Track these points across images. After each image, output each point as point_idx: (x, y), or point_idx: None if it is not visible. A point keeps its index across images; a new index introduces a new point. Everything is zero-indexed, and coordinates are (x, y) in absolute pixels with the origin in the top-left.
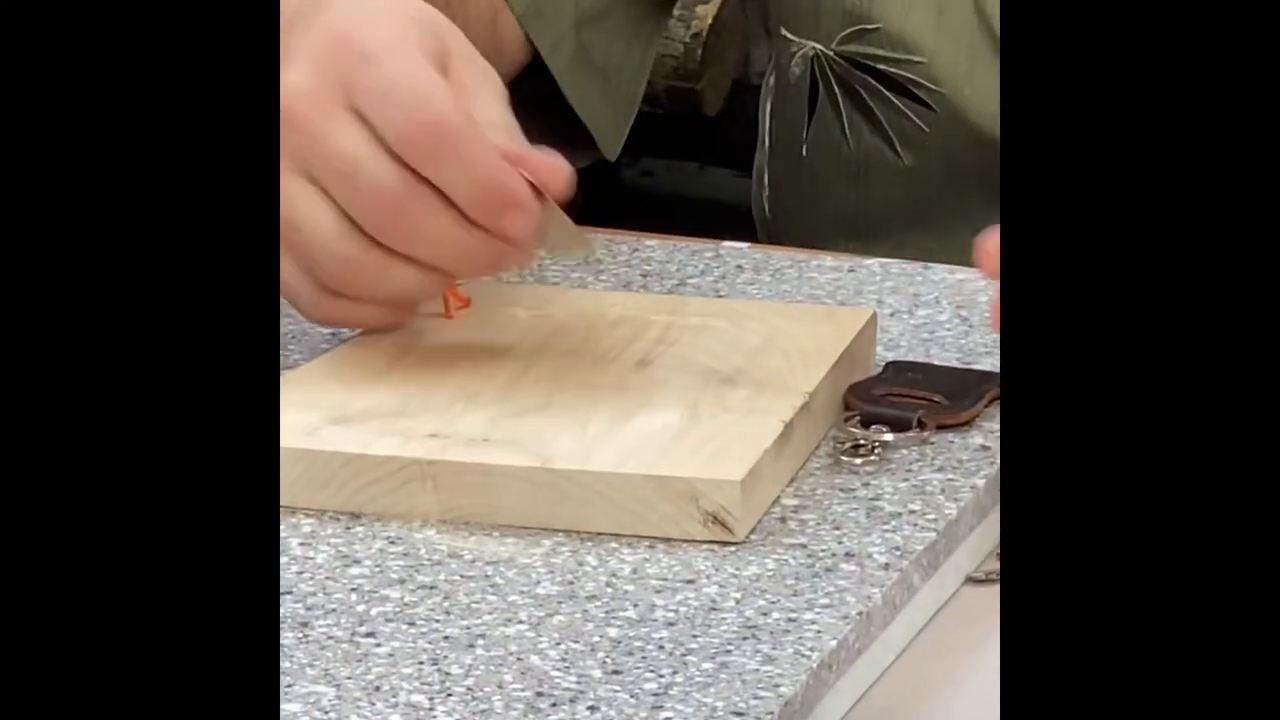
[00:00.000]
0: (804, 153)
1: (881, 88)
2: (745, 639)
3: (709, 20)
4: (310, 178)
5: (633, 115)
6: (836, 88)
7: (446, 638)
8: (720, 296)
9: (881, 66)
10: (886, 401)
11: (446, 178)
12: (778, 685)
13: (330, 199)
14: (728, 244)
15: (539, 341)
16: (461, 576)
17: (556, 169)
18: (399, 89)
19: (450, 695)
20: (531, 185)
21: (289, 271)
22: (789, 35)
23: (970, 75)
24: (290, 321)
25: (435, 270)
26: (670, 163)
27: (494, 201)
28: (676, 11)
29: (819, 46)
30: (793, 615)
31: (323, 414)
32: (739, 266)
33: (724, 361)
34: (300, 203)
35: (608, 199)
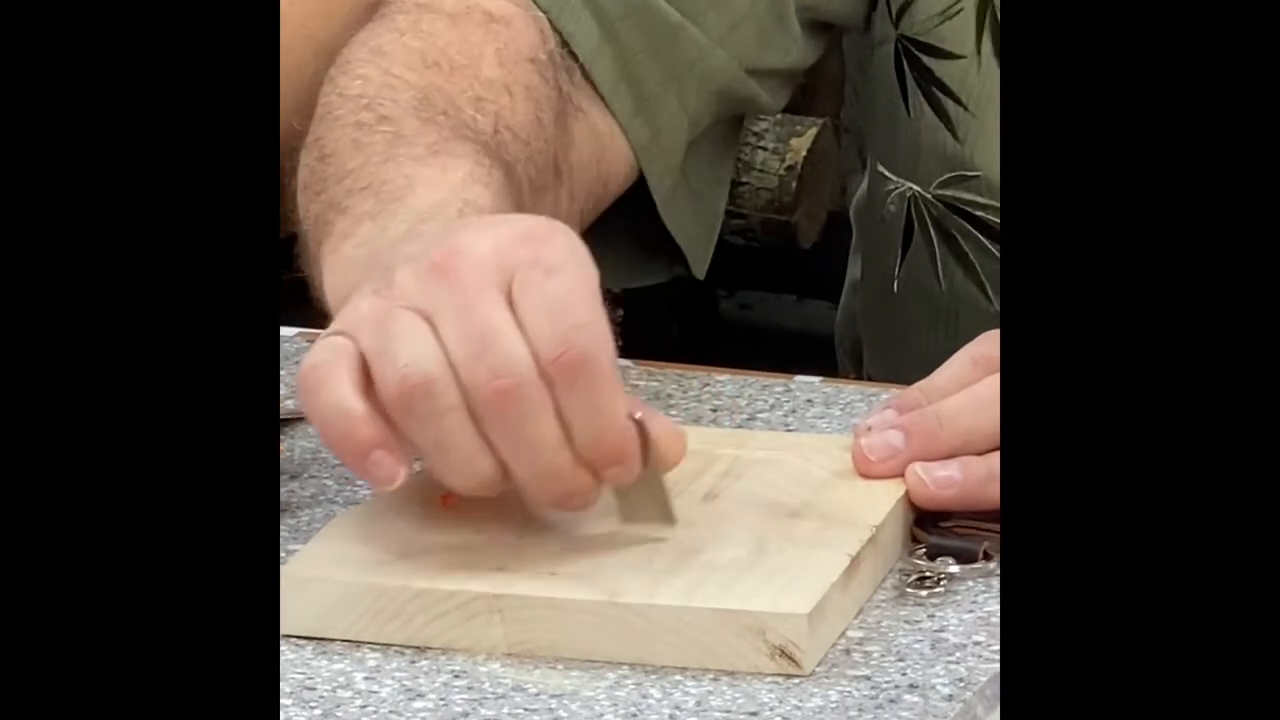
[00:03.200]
0: (895, 289)
1: (978, 234)
2: None
3: (804, 153)
4: (431, 321)
5: (717, 232)
6: (932, 229)
7: None
8: (790, 430)
9: (979, 214)
10: (953, 533)
11: (571, 408)
12: None
13: (442, 347)
14: (799, 378)
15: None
16: (526, 710)
17: (678, 439)
18: (564, 308)
19: None
20: (643, 445)
21: (345, 385)
22: (887, 173)
23: None
24: None
25: (506, 471)
26: (767, 295)
27: (604, 449)
28: (771, 144)
29: (916, 188)
30: None
31: (389, 548)
32: (809, 400)
33: (791, 495)
34: (409, 336)
35: (706, 332)
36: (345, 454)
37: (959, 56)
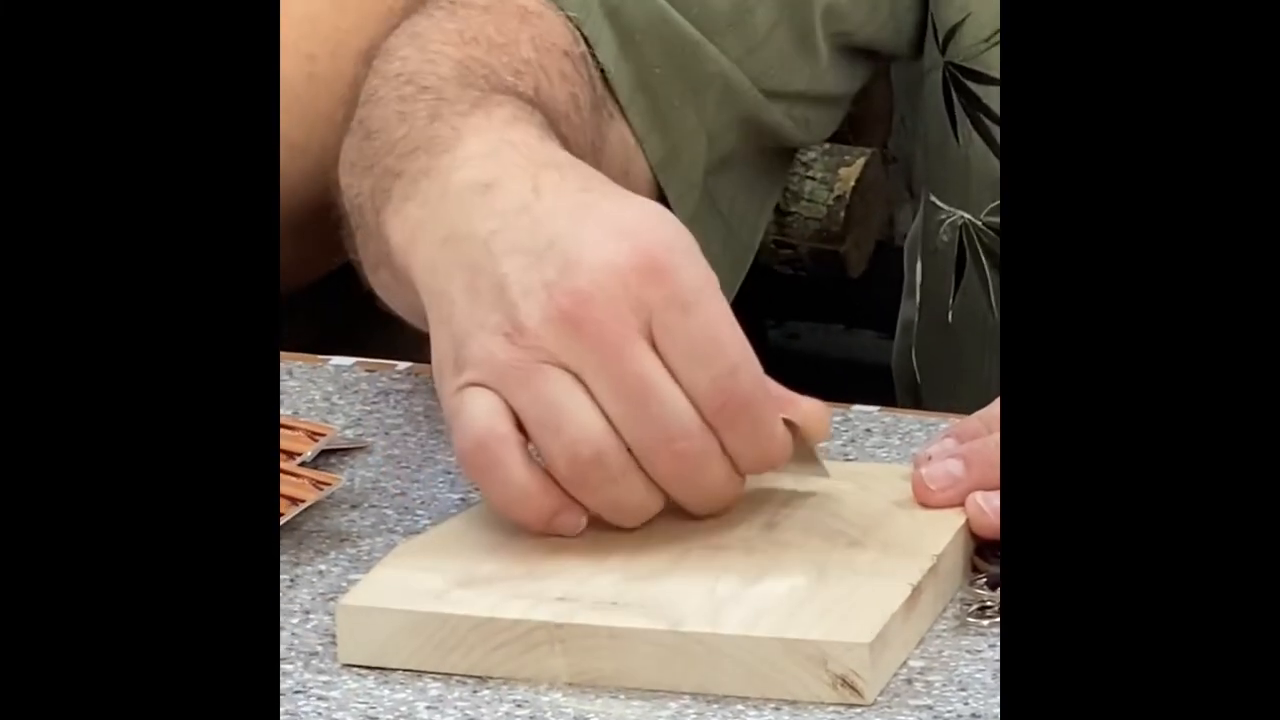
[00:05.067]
0: (950, 319)
1: None
2: None
3: (852, 182)
4: (580, 379)
5: (748, 265)
6: (984, 257)
7: None
8: (849, 459)
9: None
10: None
11: (737, 444)
12: None
13: (596, 403)
14: (857, 407)
15: (666, 504)
16: None
17: (823, 417)
18: (711, 350)
19: None
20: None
21: (517, 465)
22: (939, 203)
23: None
24: (419, 486)
25: (673, 502)
26: (815, 325)
27: (769, 464)
28: (819, 174)
29: (968, 216)
30: None
31: (451, 577)
32: (868, 430)
33: (851, 524)
34: (567, 404)
35: None
36: (528, 525)
37: None
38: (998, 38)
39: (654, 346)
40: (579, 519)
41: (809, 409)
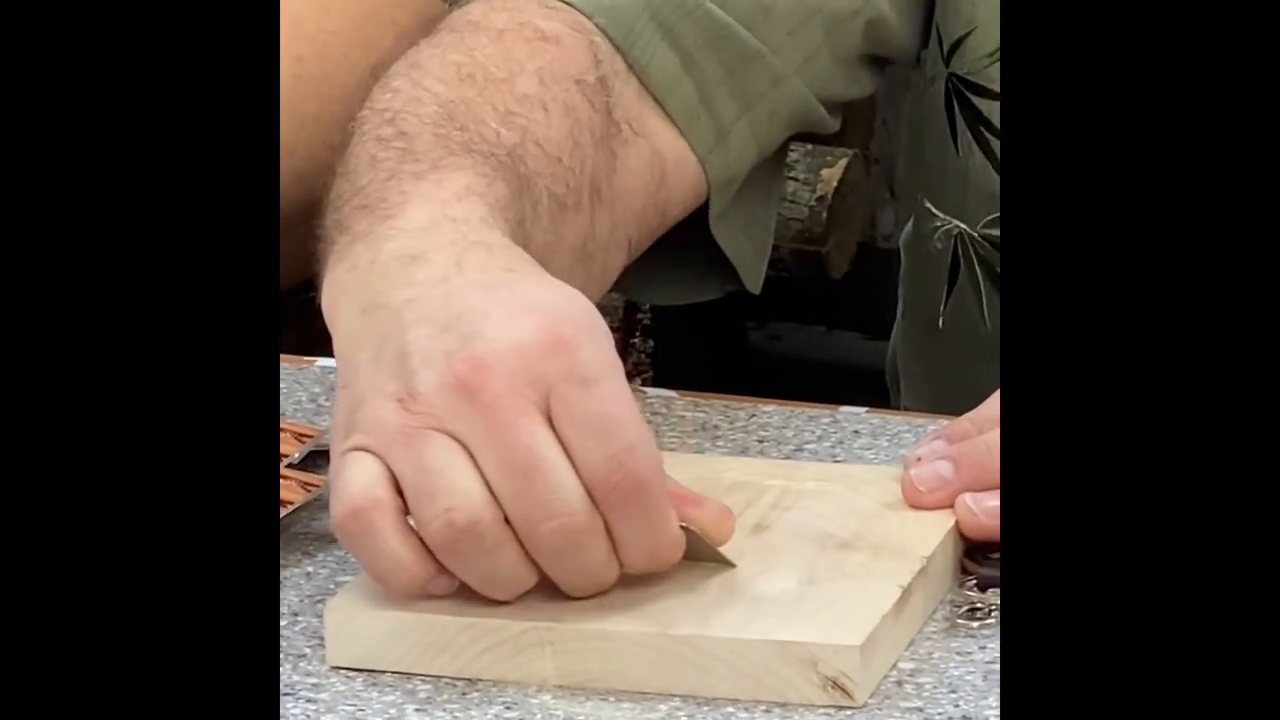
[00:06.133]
0: (940, 325)
1: None
2: None
3: (834, 183)
4: (466, 447)
5: (769, 247)
6: (978, 268)
7: None
8: (838, 461)
9: None
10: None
11: (625, 530)
12: None
13: (479, 473)
14: (845, 409)
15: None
16: None
17: (725, 518)
18: (609, 426)
19: None
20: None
21: (391, 531)
22: (934, 210)
23: None
24: None
25: (550, 581)
26: (797, 326)
27: (655, 564)
28: (801, 175)
29: (964, 226)
30: None
31: None
32: (856, 431)
33: (841, 526)
34: (448, 470)
35: (735, 363)
36: (400, 593)
37: None
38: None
39: (550, 425)
40: (451, 583)
41: (710, 512)
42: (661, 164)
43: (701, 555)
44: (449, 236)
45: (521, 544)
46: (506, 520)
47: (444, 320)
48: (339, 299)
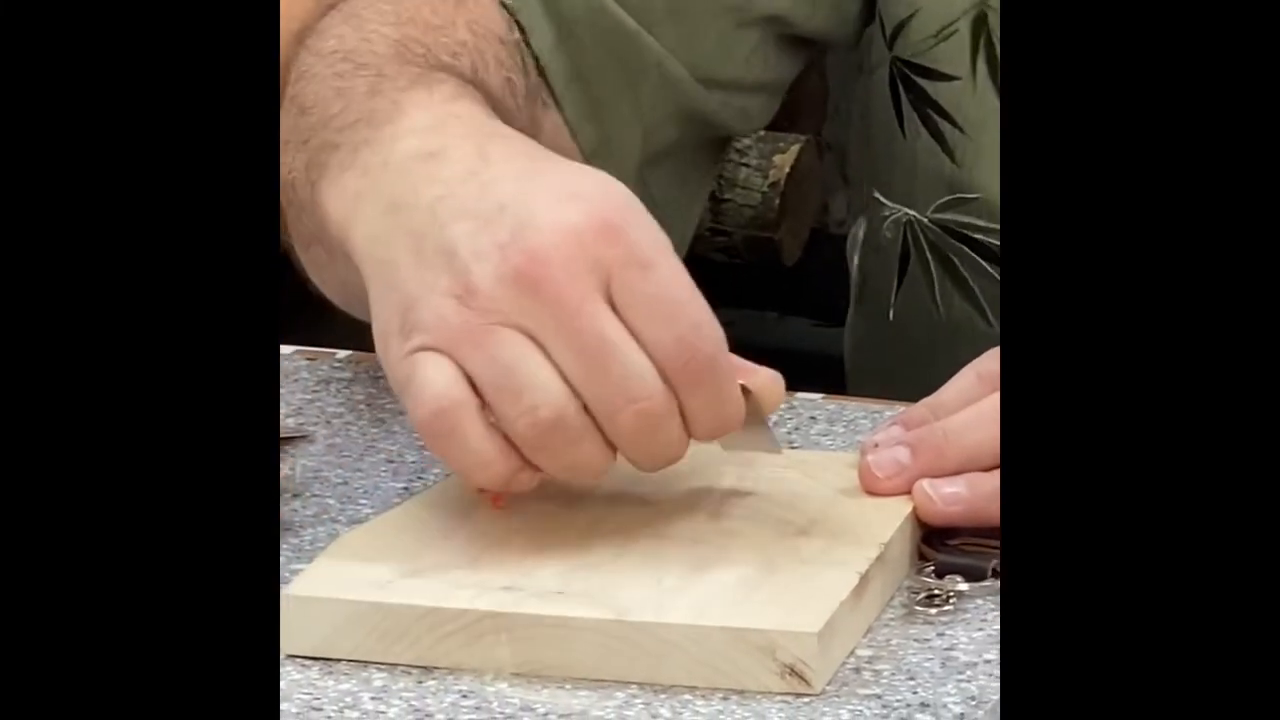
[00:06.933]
0: (891, 315)
1: (977, 257)
2: None
3: (786, 170)
4: (536, 340)
5: (683, 253)
6: (929, 255)
7: None
8: (794, 447)
9: (979, 236)
10: (961, 550)
11: (696, 406)
12: None
13: (553, 365)
14: (801, 395)
15: (612, 493)
16: None
17: (777, 382)
18: (674, 308)
19: None
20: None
21: (476, 431)
22: (883, 200)
23: None
24: (361, 475)
25: (627, 459)
26: (749, 312)
27: (726, 428)
28: (754, 161)
29: (913, 213)
30: None
31: (396, 567)
32: (813, 418)
33: (798, 513)
34: (524, 366)
35: None
36: (489, 487)
37: (954, 78)
38: (947, 33)
39: (613, 308)
40: (535, 476)
41: (764, 377)
42: (561, 136)
43: (754, 421)
44: (461, 131)
45: (601, 429)
46: (585, 409)
47: (485, 214)
48: (355, 204)
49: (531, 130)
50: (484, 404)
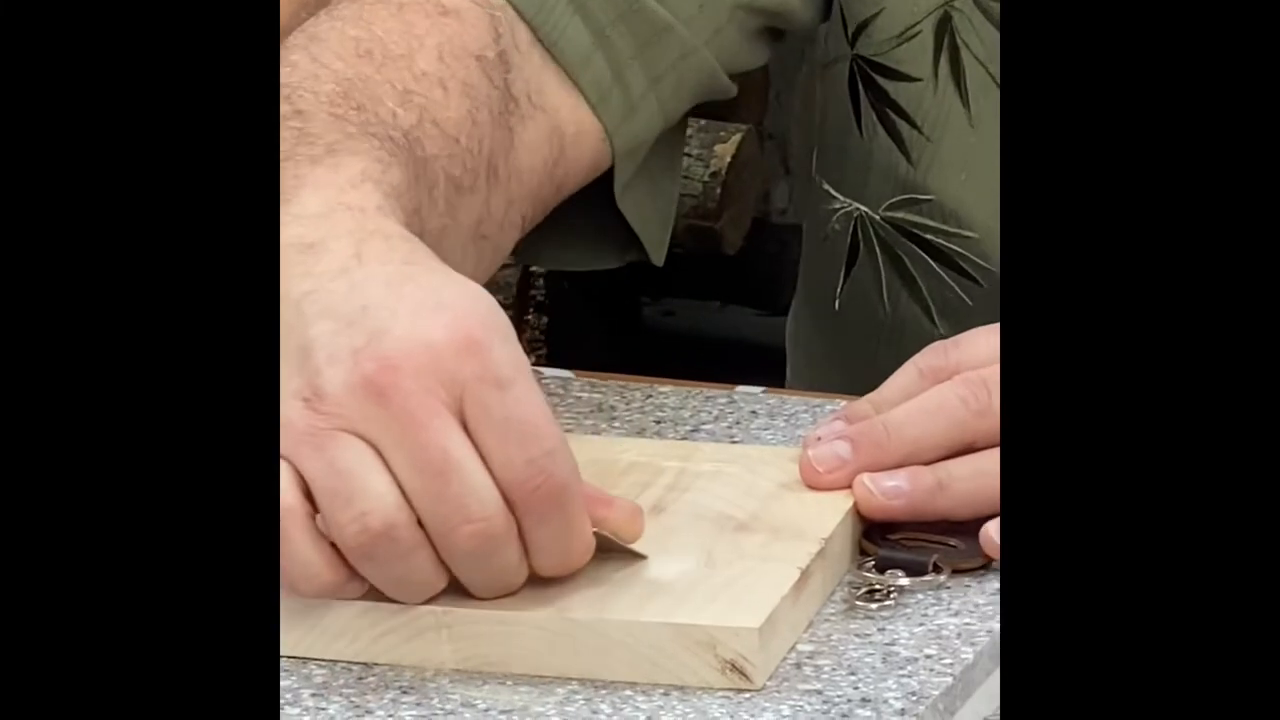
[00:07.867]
0: (836, 307)
1: (927, 257)
2: None
3: (728, 159)
4: (377, 449)
5: (673, 218)
6: (879, 251)
7: None
8: (735, 442)
9: (930, 237)
10: (902, 546)
11: (541, 536)
12: None
13: (389, 472)
14: (741, 389)
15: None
16: None
17: (635, 517)
18: (527, 430)
19: None
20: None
21: (304, 539)
22: (832, 192)
23: None
24: None
25: (461, 581)
26: (691, 302)
27: (570, 564)
28: (695, 150)
29: (864, 209)
30: None
31: None
32: (753, 412)
33: (739, 507)
34: (360, 474)
35: (629, 339)
36: (314, 597)
37: (915, 79)
38: (910, 34)
39: (465, 426)
40: (361, 586)
41: (622, 513)
42: (560, 139)
43: (610, 549)
44: (346, 225)
45: (434, 547)
46: (419, 524)
47: (347, 315)
48: None
49: (498, 154)
50: (317, 511)
